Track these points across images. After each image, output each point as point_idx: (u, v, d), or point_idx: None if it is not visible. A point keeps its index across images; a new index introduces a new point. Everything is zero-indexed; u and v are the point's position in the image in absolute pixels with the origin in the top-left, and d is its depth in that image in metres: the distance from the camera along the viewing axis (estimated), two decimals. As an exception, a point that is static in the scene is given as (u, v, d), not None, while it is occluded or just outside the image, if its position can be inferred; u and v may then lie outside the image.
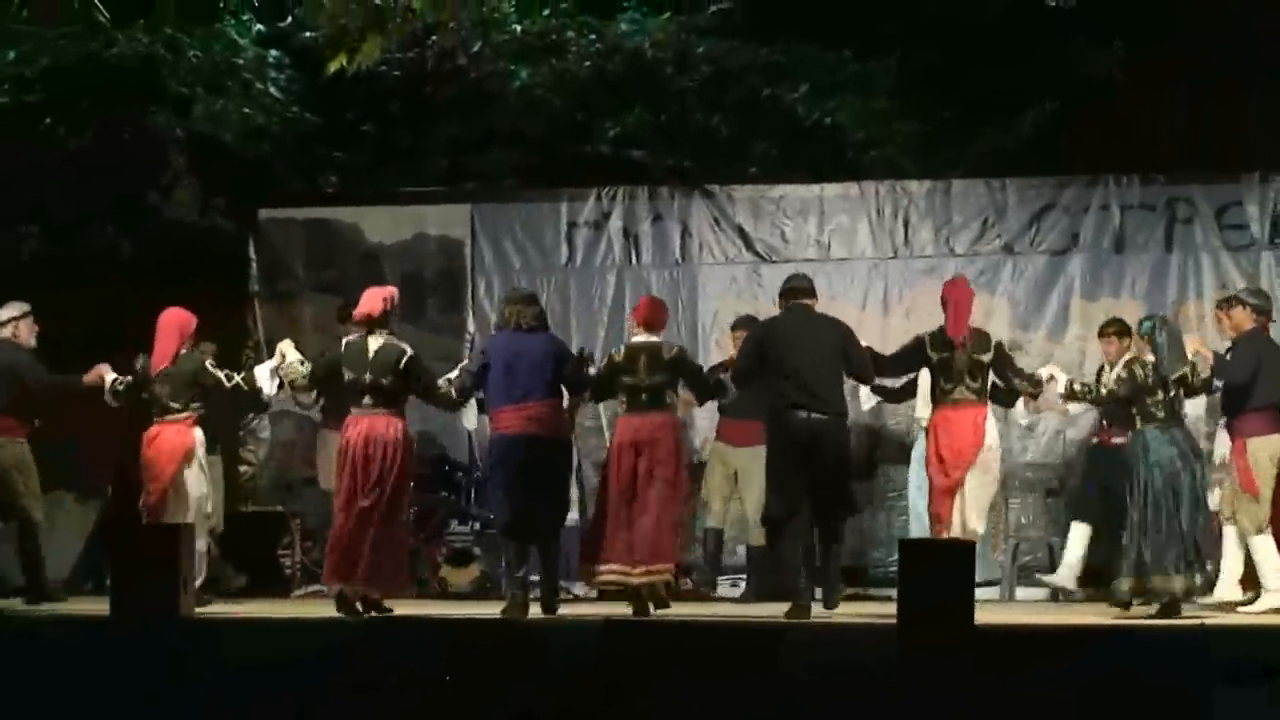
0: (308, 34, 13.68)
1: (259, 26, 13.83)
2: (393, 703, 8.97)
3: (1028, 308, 13.81)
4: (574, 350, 11.36)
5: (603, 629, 9.75)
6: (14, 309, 12.09)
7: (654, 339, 10.95)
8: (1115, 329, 11.66)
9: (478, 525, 13.12)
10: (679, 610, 10.86)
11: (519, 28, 14.76)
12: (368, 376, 10.72)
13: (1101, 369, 11.66)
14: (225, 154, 14.47)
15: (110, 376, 11.66)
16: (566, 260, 14.44)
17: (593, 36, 14.98)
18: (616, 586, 10.77)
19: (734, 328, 12.84)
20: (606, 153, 15.50)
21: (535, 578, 11.00)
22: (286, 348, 11.34)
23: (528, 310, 11.06)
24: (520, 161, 15.60)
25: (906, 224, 14.15)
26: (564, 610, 10.94)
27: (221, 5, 12.00)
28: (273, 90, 14.44)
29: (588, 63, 14.95)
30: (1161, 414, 10.73)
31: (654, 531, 10.62)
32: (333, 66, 12.70)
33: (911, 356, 11.31)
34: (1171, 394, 10.74)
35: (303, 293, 14.66)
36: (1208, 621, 9.98)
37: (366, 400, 10.74)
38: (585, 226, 14.44)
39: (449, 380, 11.14)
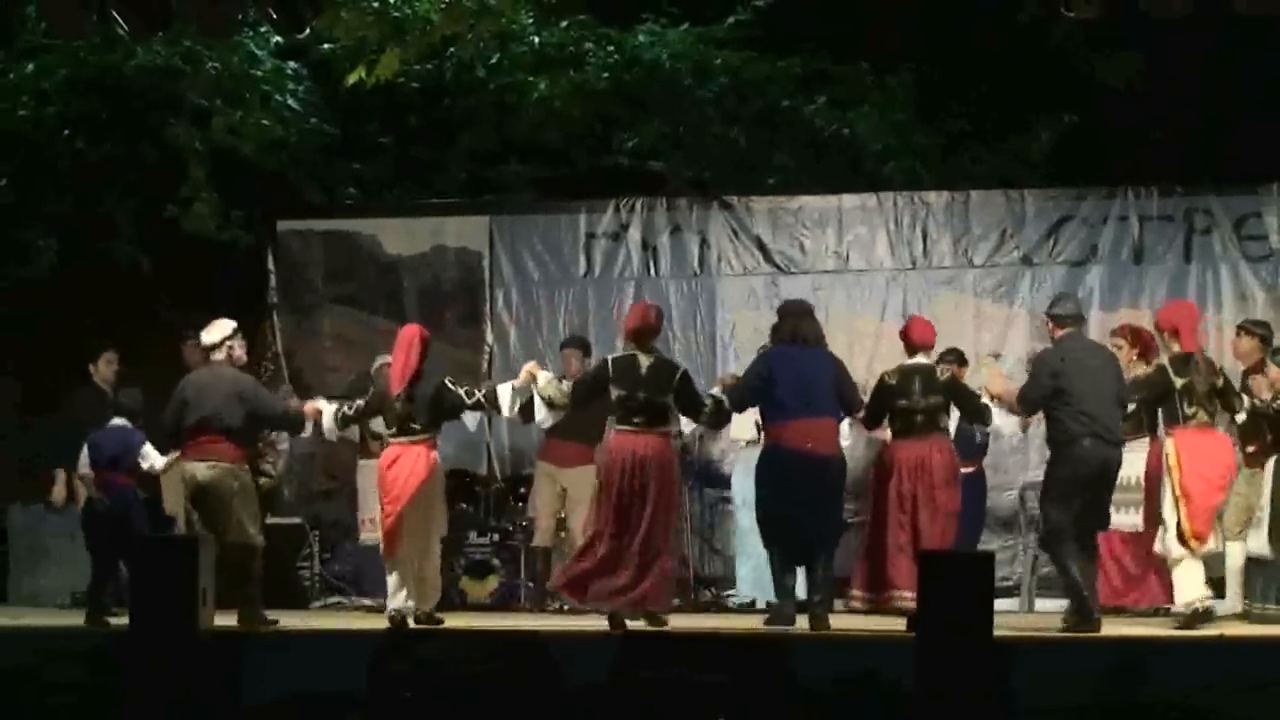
0: (326, 46, 13.69)
1: (277, 39, 13.81)
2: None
3: (1047, 319, 13.76)
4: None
5: (620, 642, 9.76)
6: (225, 328, 11.15)
7: (926, 361, 10.73)
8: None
9: (496, 537, 13.09)
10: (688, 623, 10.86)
11: (537, 40, 14.77)
12: (641, 394, 10.41)
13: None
14: (244, 166, 14.48)
15: (330, 408, 11.11)
16: (585, 272, 14.45)
17: (611, 48, 14.99)
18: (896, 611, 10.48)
19: (564, 346, 12.87)
20: (625, 164, 15.54)
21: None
22: (535, 368, 10.91)
23: (810, 325, 10.73)
24: (538, 173, 15.65)
25: (925, 235, 14.13)
26: (570, 624, 10.91)
27: (240, 18, 11.92)
28: (291, 103, 14.44)
29: (606, 74, 14.95)
30: None
31: None
32: (351, 79, 12.73)
33: (1156, 383, 10.81)
34: None
35: (321, 305, 14.70)
36: (1226, 633, 10.01)
37: (637, 419, 10.39)
38: (603, 238, 14.44)
39: (712, 396, 10.90)
